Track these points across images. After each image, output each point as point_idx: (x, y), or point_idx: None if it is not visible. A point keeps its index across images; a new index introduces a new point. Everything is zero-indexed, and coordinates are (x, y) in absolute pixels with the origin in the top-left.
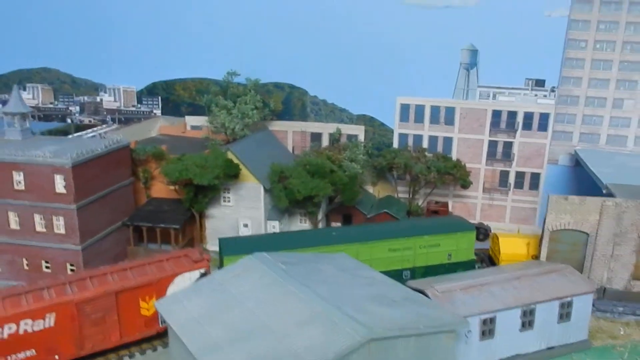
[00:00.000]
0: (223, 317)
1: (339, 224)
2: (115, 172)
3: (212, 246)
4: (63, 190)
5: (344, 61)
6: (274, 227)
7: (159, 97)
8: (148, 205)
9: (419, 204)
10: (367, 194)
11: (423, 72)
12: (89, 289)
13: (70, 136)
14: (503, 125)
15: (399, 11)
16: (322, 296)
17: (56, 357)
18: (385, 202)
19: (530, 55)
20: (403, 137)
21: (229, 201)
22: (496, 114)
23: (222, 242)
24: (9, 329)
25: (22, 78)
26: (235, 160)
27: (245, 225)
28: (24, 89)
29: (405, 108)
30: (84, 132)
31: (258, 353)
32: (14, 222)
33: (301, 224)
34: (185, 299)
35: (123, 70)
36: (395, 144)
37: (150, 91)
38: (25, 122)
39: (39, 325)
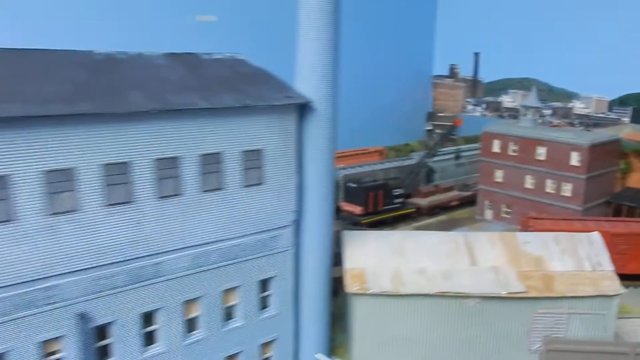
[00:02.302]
0: None
1: None
2: (607, 158)
3: None
4: (576, 164)
5: None
6: None
7: (631, 108)
8: (625, 192)
9: None
10: None
11: None
12: (619, 228)
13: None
14: None
15: None
16: None
17: None
18: None
19: None
20: None
21: None
22: None
23: None
24: None
25: (505, 85)
26: None
27: None
28: (506, 94)
29: None
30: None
31: None
32: (529, 183)
33: None
34: None
35: (599, 81)
36: None
37: (623, 101)
38: (536, 115)
39: None
